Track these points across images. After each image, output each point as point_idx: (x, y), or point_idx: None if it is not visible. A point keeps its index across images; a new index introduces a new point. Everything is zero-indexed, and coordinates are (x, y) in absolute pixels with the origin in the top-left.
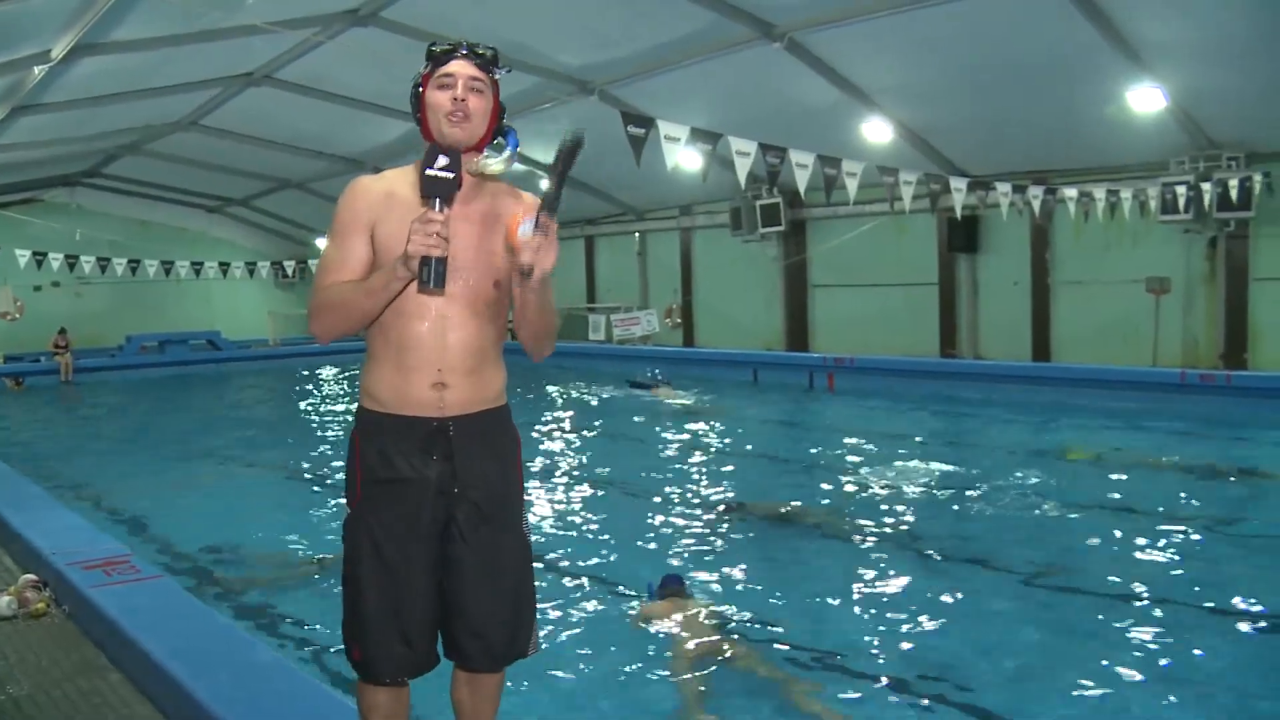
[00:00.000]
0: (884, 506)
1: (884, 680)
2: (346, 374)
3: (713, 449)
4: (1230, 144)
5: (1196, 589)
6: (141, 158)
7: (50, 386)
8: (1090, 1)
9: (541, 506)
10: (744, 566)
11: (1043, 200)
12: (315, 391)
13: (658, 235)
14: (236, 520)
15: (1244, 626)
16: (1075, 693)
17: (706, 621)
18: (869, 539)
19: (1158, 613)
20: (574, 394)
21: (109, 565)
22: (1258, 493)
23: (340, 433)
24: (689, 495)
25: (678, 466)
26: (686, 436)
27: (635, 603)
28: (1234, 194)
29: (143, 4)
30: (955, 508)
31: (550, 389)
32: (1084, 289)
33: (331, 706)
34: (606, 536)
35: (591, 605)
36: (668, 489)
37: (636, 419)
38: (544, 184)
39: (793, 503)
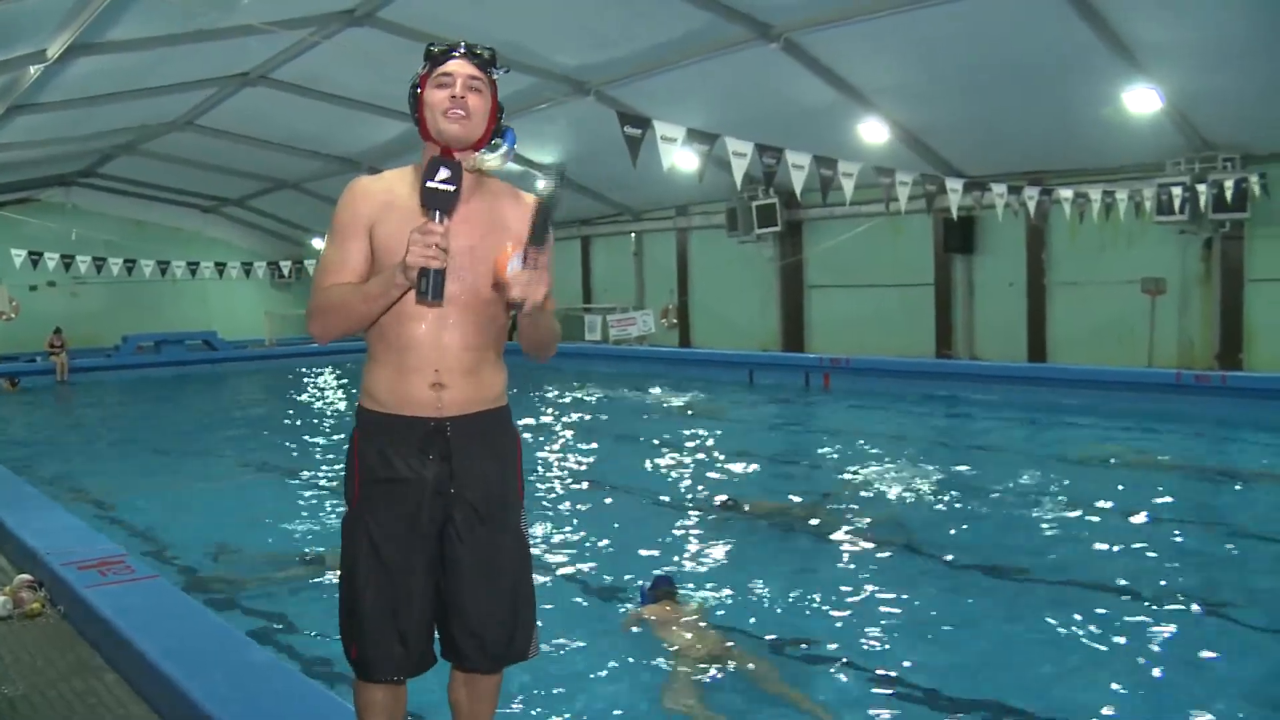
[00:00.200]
0: (879, 507)
1: (877, 679)
2: (343, 374)
3: (708, 449)
4: (1226, 145)
5: (1195, 589)
6: (137, 158)
7: (46, 386)
8: (1086, 3)
9: (535, 506)
10: (738, 566)
11: (1038, 201)
12: (311, 392)
13: (654, 236)
14: (232, 520)
15: (1242, 627)
16: (1075, 692)
17: (700, 622)
18: (863, 539)
19: (1156, 612)
20: (569, 394)
21: (104, 565)
22: (1254, 493)
23: (336, 433)
24: (684, 495)
25: (673, 467)
26: (682, 437)
27: (629, 604)
28: (1229, 195)
29: (139, 4)
30: (951, 508)
31: (545, 389)
32: (1080, 290)
33: (327, 706)
34: (599, 537)
35: (585, 604)
36: (662, 489)
37: (631, 419)
38: (540, 184)
39: (787, 502)
